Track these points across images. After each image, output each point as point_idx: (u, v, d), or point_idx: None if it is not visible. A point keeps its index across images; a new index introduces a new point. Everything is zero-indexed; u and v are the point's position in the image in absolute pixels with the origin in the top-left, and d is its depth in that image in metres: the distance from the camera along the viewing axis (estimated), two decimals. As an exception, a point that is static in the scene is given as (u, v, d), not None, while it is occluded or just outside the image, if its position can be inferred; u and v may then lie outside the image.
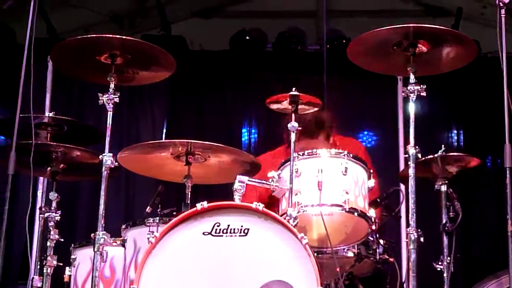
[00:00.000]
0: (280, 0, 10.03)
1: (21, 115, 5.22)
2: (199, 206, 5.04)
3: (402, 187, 5.74)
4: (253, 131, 9.35)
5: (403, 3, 9.88)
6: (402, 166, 6.14)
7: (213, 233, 4.99)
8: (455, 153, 5.94)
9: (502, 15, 5.13)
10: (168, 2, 9.67)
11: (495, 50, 5.18)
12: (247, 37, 9.62)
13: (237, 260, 4.96)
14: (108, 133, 5.38)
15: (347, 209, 5.39)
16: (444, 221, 5.86)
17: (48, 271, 5.83)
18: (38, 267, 5.91)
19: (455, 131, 9.50)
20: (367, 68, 5.78)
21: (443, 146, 5.85)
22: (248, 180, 5.37)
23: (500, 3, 5.13)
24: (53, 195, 5.88)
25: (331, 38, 9.57)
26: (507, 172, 4.89)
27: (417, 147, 5.29)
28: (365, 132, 9.11)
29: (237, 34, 9.66)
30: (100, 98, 5.40)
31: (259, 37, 9.69)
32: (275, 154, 6.59)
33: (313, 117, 6.18)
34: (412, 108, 5.31)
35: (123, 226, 5.89)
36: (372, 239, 5.66)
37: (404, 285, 5.60)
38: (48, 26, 9.08)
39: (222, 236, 4.99)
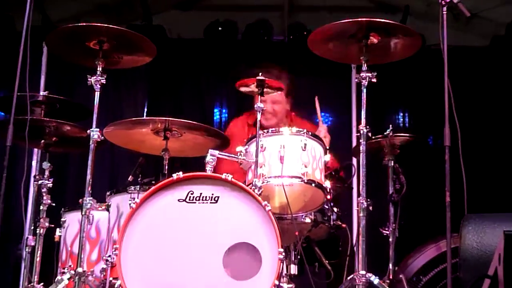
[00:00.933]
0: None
1: (18, 94, 5.24)
2: (175, 176, 5.05)
3: (354, 161, 5.75)
4: (223, 111, 9.37)
5: (359, 1, 9.89)
6: (354, 143, 6.14)
7: (187, 200, 5.00)
8: (401, 134, 5.94)
9: (443, 12, 5.18)
10: (150, -5, 9.66)
11: (437, 43, 5.20)
12: (220, 28, 9.62)
13: (208, 224, 4.96)
14: (96, 110, 5.40)
15: (306, 181, 5.39)
16: (390, 192, 5.90)
17: (41, 231, 5.85)
18: (32, 228, 5.92)
19: (401, 114, 9.55)
20: (325, 57, 5.80)
21: (390, 126, 5.89)
22: (219, 154, 5.38)
23: (443, 1, 5.17)
24: (46, 165, 5.90)
25: (295, 30, 9.62)
26: (446, 150, 4.94)
27: (367, 127, 5.31)
28: (323, 114, 9.14)
29: (211, 25, 9.65)
30: (88, 79, 5.42)
31: (230, 28, 9.68)
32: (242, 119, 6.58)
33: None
34: (364, 92, 5.33)
35: (108, 193, 5.87)
36: (327, 207, 5.68)
37: (354, 248, 5.61)
38: (43, 15, 9.04)
39: (195, 203, 5.00)
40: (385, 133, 5.81)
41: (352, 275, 5.08)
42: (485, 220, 2.82)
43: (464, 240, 2.76)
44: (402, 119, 9.49)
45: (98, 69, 5.43)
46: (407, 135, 6.02)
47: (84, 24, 5.56)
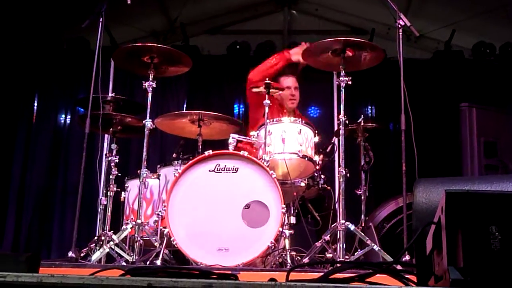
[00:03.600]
0: (259, 22, 9.99)
1: (94, 95, 5.28)
2: (206, 153, 5.08)
3: (336, 141, 5.73)
4: (241, 106, 9.39)
5: (338, 25, 9.86)
6: (335, 128, 6.10)
7: (215, 170, 5.02)
8: (369, 122, 5.92)
9: (400, 33, 5.16)
10: (188, 24, 9.64)
11: (395, 56, 5.19)
12: (238, 46, 9.61)
13: (231, 188, 5.00)
14: (149, 106, 5.41)
15: (301, 156, 5.40)
16: (362, 164, 5.87)
17: (111, 194, 5.86)
18: (104, 191, 5.94)
19: (370, 107, 9.54)
20: (314, 66, 5.77)
21: (362, 116, 5.86)
22: (238, 137, 5.39)
23: (399, 25, 5.15)
24: (114, 146, 5.93)
25: (292, 47, 9.58)
26: (402, 132, 4.94)
27: (345, 116, 5.28)
28: (313, 107, 9.19)
29: (231, 45, 9.64)
30: (143, 84, 5.41)
31: (245, 47, 9.67)
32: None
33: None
34: (342, 92, 5.31)
35: (158, 166, 5.93)
36: (316, 174, 5.65)
37: (336, 204, 5.61)
38: (111, 38, 9.05)
39: (221, 172, 5.02)
40: (357, 121, 5.78)
41: (335, 224, 5.07)
42: (432, 182, 2.78)
43: (415, 197, 2.72)
44: (370, 111, 9.50)
45: (150, 77, 5.42)
46: (374, 123, 5.98)
47: (139, 44, 5.57)
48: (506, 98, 9.19)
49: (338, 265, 2.73)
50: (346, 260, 4.88)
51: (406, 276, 2.33)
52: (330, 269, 2.26)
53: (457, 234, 1.95)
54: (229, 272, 2.91)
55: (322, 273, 2.22)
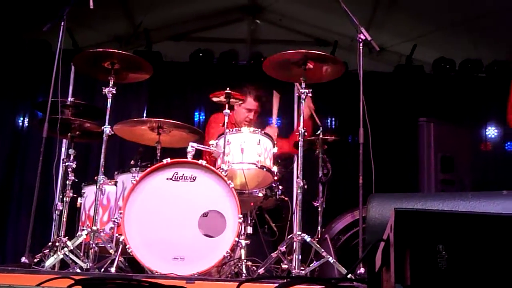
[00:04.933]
0: (223, 31, 9.98)
1: (52, 99, 5.23)
2: (164, 161, 5.06)
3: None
4: (202, 114, 9.41)
5: (302, 36, 9.89)
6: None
7: (173, 179, 5.00)
8: (328, 135, 5.96)
9: (360, 47, 5.20)
10: (152, 29, 9.60)
11: (356, 68, 5.21)
12: (201, 54, 9.62)
13: (188, 196, 4.98)
14: (108, 112, 5.36)
15: (259, 166, 5.41)
16: (320, 175, 5.90)
17: (67, 199, 5.80)
18: (61, 197, 5.87)
19: (330, 118, 9.61)
20: (275, 77, 5.75)
21: (321, 128, 5.89)
22: (197, 146, 5.37)
23: (359, 39, 5.19)
24: (71, 151, 5.87)
25: (255, 57, 9.62)
26: (360, 145, 4.97)
27: (304, 128, 5.30)
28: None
29: (194, 52, 9.65)
30: (103, 90, 5.37)
31: (208, 55, 9.69)
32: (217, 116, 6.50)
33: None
34: (302, 103, 5.33)
35: (116, 173, 5.89)
36: (274, 185, 5.66)
37: (293, 215, 5.62)
38: (73, 41, 8.99)
39: (178, 181, 5.00)
40: (316, 133, 5.81)
41: (291, 235, 5.07)
42: (385, 198, 2.81)
43: (369, 212, 2.75)
44: (331, 123, 9.56)
45: (110, 83, 5.38)
46: (333, 135, 6.01)
47: (100, 49, 5.53)
48: (464, 114, 9.33)
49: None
50: (300, 272, 4.87)
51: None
52: (280, 283, 2.27)
53: (405, 252, 1.97)
54: (182, 282, 2.90)
55: (275, 286, 2.22)
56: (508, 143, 9.51)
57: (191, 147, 5.28)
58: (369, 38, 5.30)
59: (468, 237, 1.96)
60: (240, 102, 5.84)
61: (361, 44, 5.25)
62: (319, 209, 5.87)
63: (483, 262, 1.98)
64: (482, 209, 2.53)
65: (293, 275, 4.78)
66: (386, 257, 2.12)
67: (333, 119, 9.60)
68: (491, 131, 9.56)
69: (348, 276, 4.14)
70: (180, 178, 5.00)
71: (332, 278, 2.51)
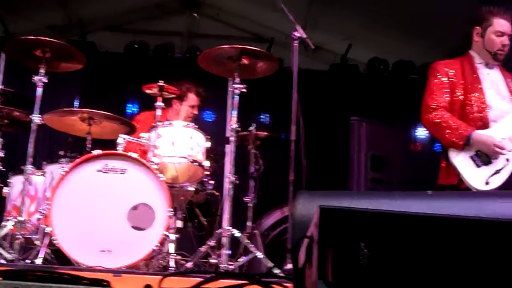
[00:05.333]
0: (160, 23, 9.91)
1: (-21, 87, 5.10)
2: (95, 152, 4.98)
3: (228, 148, 5.73)
4: (134, 106, 9.36)
5: (239, 31, 9.90)
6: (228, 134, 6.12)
7: (102, 170, 4.91)
8: (261, 131, 5.97)
9: (295, 44, 5.21)
10: (87, 19, 9.48)
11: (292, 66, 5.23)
12: (136, 46, 9.57)
13: (118, 189, 4.90)
14: (38, 101, 5.23)
15: (191, 160, 5.37)
16: (251, 171, 5.92)
17: (-8, 189, 5.69)
18: (-14, 186, 5.74)
19: (264, 115, 9.64)
20: (210, 71, 5.71)
21: (253, 124, 5.91)
22: (128, 138, 5.32)
23: (295, 36, 5.21)
24: (-1, 140, 5.74)
25: (191, 51, 9.58)
26: (292, 142, 4.99)
27: (238, 123, 5.29)
28: (208, 112, 9.22)
29: (129, 43, 9.59)
30: (33, 78, 5.26)
31: (144, 46, 9.64)
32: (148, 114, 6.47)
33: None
34: (235, 98, 5.32)
35: (44, 163, 5.77)
36: (205, 180, 5.65)
37: (223, 210, 5.61)
38: (5, 28, 8.81)
39: (108, 173, 4.92)
40: (248, 129, 5.82)
41: (220, 229, 5.07)
42: (312, 195, 2.83)
43: (295, 209, 2.76)
44: (264, 119, 9.60)
45: (41, 71, 5.27)
46: (266, 131, 6.03)
47: (32, 37, 5.40)
48: (396, 114, 9.48)
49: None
50: (228, 267, 4.87)
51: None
52: (204, 278, 2.26)
53: (328, 249, 1.98)
54: (109, 275, 2.86)
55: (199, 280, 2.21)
56: (437, 144, 9.69)
57: (122, 139, 5.22)
58: (304, 36, 5.32)
59: (389, 235, 1.99)
60: (174, 95, 5.79)
61: (296, 42, 5.27)
62: (250, 205, 5.89)
63: (404, 260, 2.01)
64: (407, 208, 2.56)
65: (221, 270, 4.79)
66: (309, 253, 2.13)
67: (267, 115, 9.65)
68: (421, 132, 9.75)
69: (275, 272, 4.17)
70: (110, 170, 4.93)
71: (256, 274, 2.53)
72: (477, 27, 4.90)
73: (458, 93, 4.78)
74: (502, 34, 4.79)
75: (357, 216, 2.00)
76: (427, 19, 8.72)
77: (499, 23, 4.82)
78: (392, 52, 9.79)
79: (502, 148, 4.51)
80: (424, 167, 9.37)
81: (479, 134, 4.57)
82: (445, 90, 4.80)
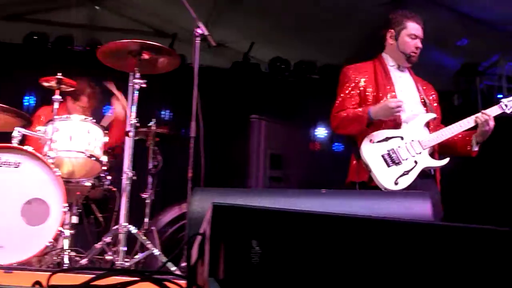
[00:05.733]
0: (62, 14, 9.69)
1: None
2: (-13, 145, 4.83)
3: (126, 143, 5.66)
4: (31, 99, 9.13)
5: (143, 26, 9.81)
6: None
7: (-5, 164, 4.78)
8: (161, 127, 5.94)
9: (197, 41, 5.20)
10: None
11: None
12: (35, 36, 9.34)
13: (11, 183, 4.75)
14: None
15: (88, 155, 5.29)
16: (150, 167, 5.88)
17: None
18: None
19: (165, 111, 9.59)
20: (110, 66, 5.61)
21: (153, 120, 5.87)
22: (24, 131, 5.18)
23: (196, 33, 5.20)
24: None
25: (92, 43, 9.41)
26: (191, 139, 4.98)
27: (137, 119, 5.22)
28: (108, 107, 9.01)
29: (29, 34, 9.36)
30: None
31: (43, 38, 9.42)
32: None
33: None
34: (135, 93, 5.26)
35: None
36: (103, 175, 5.57)
37: (120, 206, 5.55)
38: None
39: (1, 167, 4.77)
40: (148, 125, 5.78)
41: (116, 226, 5.01)
42: (208, 192, 2.84)
43: (191, 205, 2.76)
44: (165, 115, 9.55)
45: None
46: (165, 128, 6.01)
47: None
48: (297, 113, 9.61)
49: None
50: (124, 264, 4.82)
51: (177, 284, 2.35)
52: (96, 274, 2.23)
53: (220, 246, 1.99)
54: (1, 271, 2.79)
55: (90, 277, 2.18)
56: (336, 144, 9.91)
57: (17, 132, 5.08)
58: (206, 33, 5.31)
59: (281, 233, 2.01)
60: (71, 89, 5.65)
61: (198, 39, 5.25)
62: (147, 201, 5.84)
63: (296, 258, 2.04)
64: (301, 207, 2.59)
65: (116, 267, 4.73)
66: (202, 251, 2.13)
67: (168, 111, 9.60)
68: (321, 131, 9.92)
69: (171, 269, 4.16)
70: (3, 164, 4.77)
71: (147, 271, 2.51)
72: (391, 30, 5.02)
73: (370, 97, 4.88)
74: (415, 37, 4.94)
75: (249, 214, 2.01)
76: (329, 20, 8.88)
77: (413, 27, 4.97)
78: (294, 52, 9.91)
79: (400, 102, 4.63)
80: (323, 166, 9.56)
81: (375, 105, 4.70)
82: (355, 95, 4.90)
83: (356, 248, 2.01)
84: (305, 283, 2.02)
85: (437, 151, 4.87)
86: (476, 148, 4.86)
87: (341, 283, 2.00)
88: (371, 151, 4.68)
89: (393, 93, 4.86)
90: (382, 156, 4.66)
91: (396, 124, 4.78)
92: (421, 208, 2.91)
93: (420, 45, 4.96)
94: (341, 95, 4.94)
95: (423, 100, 4.96)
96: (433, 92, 5.15)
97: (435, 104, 5.09)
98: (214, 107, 7.93)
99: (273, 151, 7.53)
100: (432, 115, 4.88)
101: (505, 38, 9.36)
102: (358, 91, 4.90)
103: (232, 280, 1.97)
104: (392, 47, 5.03)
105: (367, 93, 4.89)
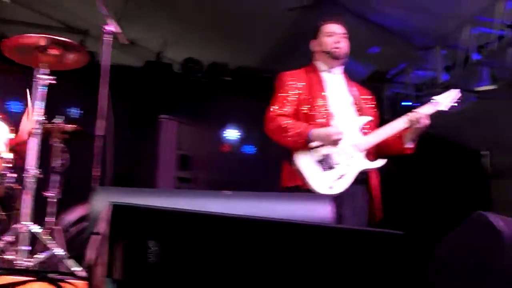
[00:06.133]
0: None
1: None
2: None
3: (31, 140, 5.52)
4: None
5: (54, 21, 9.62)
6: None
7: None
8: (68, 124, 5.82)
9: (107, 38, 5.14)
10: None
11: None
12: None
13: None
14: None
15: (-10, 152, 5.16)
16: (55, 165, 5.75)
17: None
18: None
19: (74, 108, 9.41)
20: (16, 60, 5.47)
21: (60, 116, 5.75)
22: None
23: (105, 30, 5.14)
24: None
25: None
26: (98, 138, 4.91)
27: (45, 116, 5.10)
28: (14, 102, 8.79)
29: None
30: None
31: None
32: None
33: None
34: (42, 89, 5.13)
35: None
36: (6, 172, 5.42)
37: (23, 204, 5.39)
38: None
39: None
40: (54, 121, 5.66)
41: (17, 224, 4.87)
42: (110, 192, 2.81)
43: (93, 205, 2.73)
44: (75, 113, 9.36)
45: None
46: (73, 125, 5.88)
47: None
48: (208, 115, 9.61)
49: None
50: (25, 263, 4.70)
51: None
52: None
53: (117, 246, 1.96)
54: None
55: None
56: (245, 146, 9.95)
57: None
58: (116, 30, 5.25)
59: (179, 233, 2.00)
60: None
61: (108, 36, 5.19)
62: (52, 200, 5.71)
63: (194, 258, 2.03)
64: (204, 208, 2.60)
65: (18, 267, 4.61)
66: (100, 250, 2.10)
67: (78, 109, 9.42)
68: (232, 133, 9.93)
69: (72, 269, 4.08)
70: None
71: (44, 271, 2.45)
72: (314, 40, 5.12)
73: (304, 102, 4.92)
74: (332, 34, 5.03)
75: (147, 214, 2.00)
76: (241, 23, 8.93)
77: (328, 26, 5.09)
78: (208, 53, 9.92)
79: (341, 133, 4.68)
80: (233, 168, 9.59)
81: (317, 129, 4.73)
82: (291, 101, 4.93)
83: (251, 248, 2.02)
84: (202, 283, 2.02)
85: (372, 154, 4.93)
86: (410, 145, 4.95)
87: (237, 283, 2.01)
88: (305, 157, 4.72)
89: (324, 95, 4.92)
90: (316, 161, 4.70)
91: None
92: (323, 211, 2.95)
93: (339, 39, 5.05)
94: (278, 99, 4.97)
95: (356, 104, 5.03)
96: (368, 96, 5.24)
97: (371, 107, 5.17)
98: (125, 106, 7.83)
99: (182, 152, 7.52)
100: (366, 118, 4.96)
101: (412, 47, 9.64)
102: (294, 96, 4.94)
103: (130, 280, 1.95)
104: (318, 53, 5.12)
105: (301, 98, 4.93)
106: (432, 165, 10.47)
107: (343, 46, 5.06)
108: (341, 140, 4.70)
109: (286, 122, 4.82)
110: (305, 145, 4.71)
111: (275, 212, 2.92)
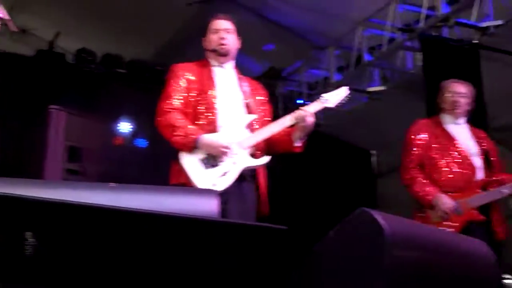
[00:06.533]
0: None
1: None
2: None
3: None
4: None
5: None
6: None
7: None
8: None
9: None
10: None
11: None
12: None
13: None
14: None
15: None
16: None
17: None
18: None
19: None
20: None
21: None
22: None
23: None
24: None
25: None
26: None
27: None
28: None
29: None
30: None
31: None
32: None
33: None
34: None
35: None
36: None
37: None
38: None
39: None
40: None
41: None
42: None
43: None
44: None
45: None
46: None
47: None
48: (101, 107, 9.46)
49: None
50: None
51: None
52: None
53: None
54: None
55: None
56: (137, 139, 9.85)
57: None
58: (6, 17, 5.07)
59: (56, 225, 1.96)
60: None
61: (-1, 23, 5.00)
62: None
63: (71, 251, 2.00)
64: (87, 200, 2.55)
65: None
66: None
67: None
68: (125, 126, 9.79)
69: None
70: None
71: None
72: (204, 38, 5.08)
73: (192, 97, 4.86)
74: (217, 30, 4.99)
75: (22, 204, 1.95)
76: (138, 15, 8.85)
77: (215, 23, 5.02)
78: (102, 44, 9.76)
79: (228, 148, 4.66)
80: (125, 161, 9.49)
81: (206, 137, 4.66)
82: (181, 93, 4.86)
83: (132, 241, 2.01)
84: (80, 276, 1.98)
85: (262, 151, 4.91)
86: (298, 144, 4.95)
87: (117, 276, 1.99)
88: (189, 156, 4.69)
89: (213, 90, 4.89)
90: (200, 159, 4.67)
91: (213, 127, 4.80)
92: (208, 205, 2.95)
93: (223, 35, 5.01)
94: (169, 90, 4.90)
95: (246, 101, 5.01)
96: (262, 92, 5.21)
97: (264, 104, 5.16)
98: (14, 95, 7.60)
99: (72, 143, 7.37)
100: (253, 116, 4.94)
101: (307, 46, 9.79)
102: (184, 88, 4.89)
103: (4, 273, 1.90)
104: (207, 50, 5.08)
105: (191, 91, 4.88)
106: (323, 163, 10.68)
107: (229, 42, 5.04)
108: (228, 154, 4.69)
109: (178, 120, 4.77)
110: (191, 148, 4.69)
111: (159, 205, 2.90)
